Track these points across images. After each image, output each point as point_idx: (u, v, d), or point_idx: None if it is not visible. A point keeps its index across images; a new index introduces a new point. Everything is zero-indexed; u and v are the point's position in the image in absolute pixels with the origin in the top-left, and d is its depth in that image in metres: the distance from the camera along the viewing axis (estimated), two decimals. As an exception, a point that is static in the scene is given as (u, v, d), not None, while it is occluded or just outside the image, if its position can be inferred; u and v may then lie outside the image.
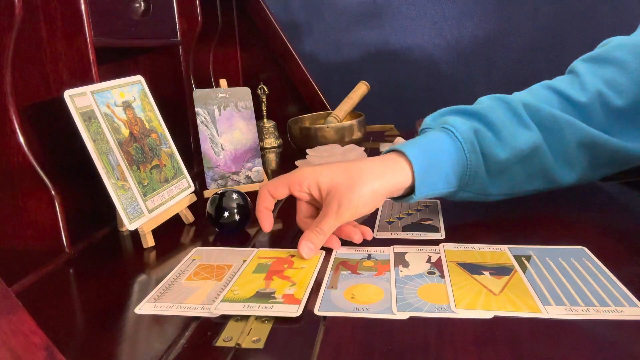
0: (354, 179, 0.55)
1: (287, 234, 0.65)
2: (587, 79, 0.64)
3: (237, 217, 0.64)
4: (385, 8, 1.48)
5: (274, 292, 0.48)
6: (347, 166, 0.57)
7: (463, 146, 0.59)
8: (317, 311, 0.45)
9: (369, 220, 0.65)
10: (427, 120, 0.67)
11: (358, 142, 1.05)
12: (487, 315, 0.42)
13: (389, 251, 0.56)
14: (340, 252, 0.57)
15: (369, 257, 0.55)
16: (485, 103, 0.65)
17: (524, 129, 0.61)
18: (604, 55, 0.65)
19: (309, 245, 0.54)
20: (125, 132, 0.66)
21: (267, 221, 0.59)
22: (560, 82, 0.66)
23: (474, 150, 0.59)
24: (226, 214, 0.63)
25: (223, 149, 0.74)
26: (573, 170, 0.63)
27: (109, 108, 0.64)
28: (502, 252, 0.54)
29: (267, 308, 0.45)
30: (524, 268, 0.50)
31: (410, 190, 0.59)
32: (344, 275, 0.51)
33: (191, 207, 0.71)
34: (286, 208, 0.74)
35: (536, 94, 0.66)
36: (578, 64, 0.67)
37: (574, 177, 0.63)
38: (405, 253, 0.55)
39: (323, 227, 0.54)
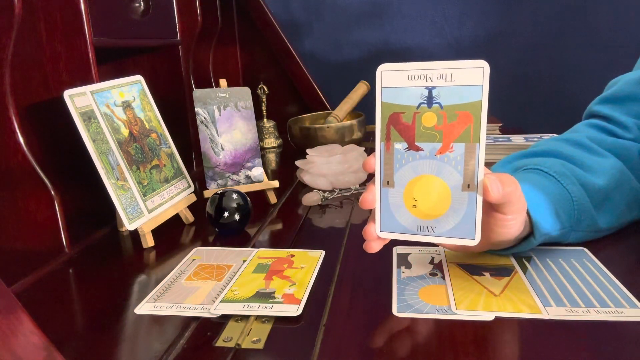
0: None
1: (287, 234, 0.65)
2: (620, 118, 0.61)
3: (237, 217, 0.64)
4: (385, 8, 1.48)
5: (273, 292, 0.48)
6: None
7: (559, 180, 0.53)
8: (380, 232, 0.41)
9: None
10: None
11: (358, 142, 1.05)
12: (488, 316, 0.42)
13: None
14: (386, 96, 0.41)
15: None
16: (546, 144, 0.60)
17: (602, 157, 0.57)
18: (621, 94, 0.63)
19: (498, 184, 0.41)
20: (125, 132, 0.66)
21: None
22: (599, 121, 0.63)
23: (573, 183, 0.53)
24: (226, 214, 0.63)
25: (223, 149, 0.74)
26: None
27: (109, 108, 0.64)
28: (502, 253, 0.54)
29: (267, 308, 0.45)
30: (524, 269, 0.50)
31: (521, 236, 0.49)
32: (399, 152, 0.41)
33: (191, 207, 0.71)
34: (286, 208, 0.74)
35: (585, 131, 0.62)
36: (599, 107, 0.64)
37: None
38: (408, 254, 0.55)
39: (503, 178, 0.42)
